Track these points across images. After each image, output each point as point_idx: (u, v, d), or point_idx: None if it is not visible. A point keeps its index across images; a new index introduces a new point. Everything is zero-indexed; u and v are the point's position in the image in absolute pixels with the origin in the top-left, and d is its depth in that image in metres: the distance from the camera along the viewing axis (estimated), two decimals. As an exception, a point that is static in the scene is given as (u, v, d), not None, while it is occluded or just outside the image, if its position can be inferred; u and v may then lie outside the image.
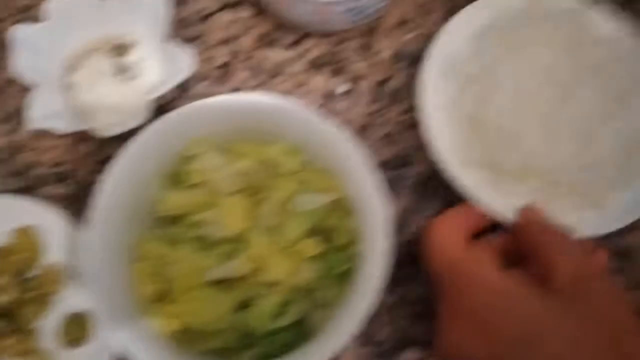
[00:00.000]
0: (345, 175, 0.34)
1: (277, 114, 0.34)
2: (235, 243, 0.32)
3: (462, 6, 0.40)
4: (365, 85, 0.42)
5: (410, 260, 0.37)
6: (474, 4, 0.40)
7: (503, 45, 0.38)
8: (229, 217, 0.32)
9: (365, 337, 0.37)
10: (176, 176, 0.35)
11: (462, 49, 0.39)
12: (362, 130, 0.41)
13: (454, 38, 0.39)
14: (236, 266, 0.32)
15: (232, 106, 0.34)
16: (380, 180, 0.32)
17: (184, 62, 0.37)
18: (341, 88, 0.42)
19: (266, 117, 0.34)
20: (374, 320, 0.35)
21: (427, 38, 0.41)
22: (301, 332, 0.32)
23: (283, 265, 0.32)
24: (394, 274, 0.34)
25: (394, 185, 0.40)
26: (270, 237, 0.32)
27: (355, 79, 0.43)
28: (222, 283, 0.32)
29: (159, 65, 0.38)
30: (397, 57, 0.43)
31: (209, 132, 0.35)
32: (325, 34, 0.43)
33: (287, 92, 0.42)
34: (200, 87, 0.42)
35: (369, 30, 0.44)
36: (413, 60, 0.43)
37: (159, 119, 0.34)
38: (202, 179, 0.34)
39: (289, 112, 0.34)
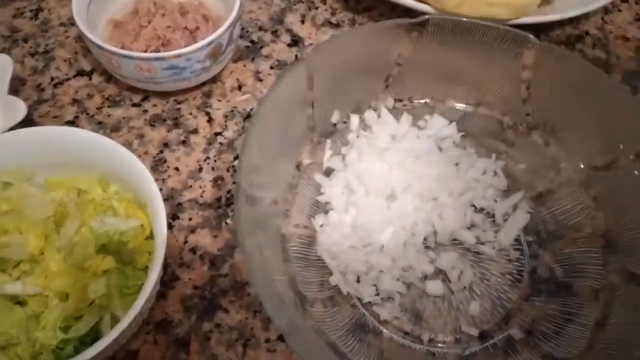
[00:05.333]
0: (148, 206, 0.37)
1: (89, 147, 0.38)
2: (32, 263, 0.35)
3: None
4: (200, 137, 0.48)
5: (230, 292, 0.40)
6: None
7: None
8: (30, 241, 0.35)
9: None
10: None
11: None
12: (197, 173, 0.46)
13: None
14: (29, 283, 0.34)
15: (49, 136, 0.38)
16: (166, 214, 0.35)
17: (18, 111, 0.42)
18: (178, 139, 0.48)
19: (81, 149, 0.38)
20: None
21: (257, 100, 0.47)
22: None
23: (70, 280, 0.34)
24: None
25: (218, 221, 0.44)
26: (63, 255, 0.35)
27: (191, 132, 0.48)
28: (18, 297, 0.34)
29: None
30: (231, 114, 0.49)
31: (30, 162, 0.38)
32: (167, 94, 0.49)
33: (127, 143, 0.47)
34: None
35: (208, 92, 0.50)
36: (244, 117, 0.49)
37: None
38: (12, 206, 0.37)
39: (100, 146, 0.38)
